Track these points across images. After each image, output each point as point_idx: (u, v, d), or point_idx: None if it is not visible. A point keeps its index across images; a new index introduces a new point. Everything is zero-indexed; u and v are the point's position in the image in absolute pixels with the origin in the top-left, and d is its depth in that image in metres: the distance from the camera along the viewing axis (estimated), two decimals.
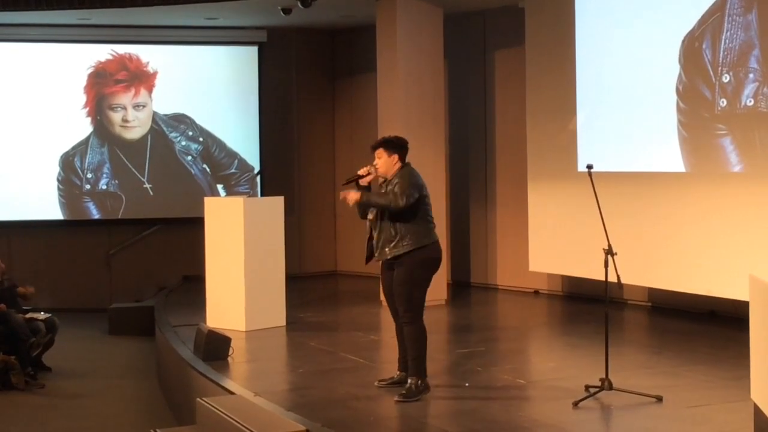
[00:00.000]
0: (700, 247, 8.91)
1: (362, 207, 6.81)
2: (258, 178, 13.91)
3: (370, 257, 6.90)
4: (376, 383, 7.01)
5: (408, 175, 6.70)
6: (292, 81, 14.20)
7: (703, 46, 8.81)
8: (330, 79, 14.42)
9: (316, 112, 14.33)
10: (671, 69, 9.18)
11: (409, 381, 6.64)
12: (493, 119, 12.23)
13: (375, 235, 6.76)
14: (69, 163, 13.43)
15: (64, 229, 13.54)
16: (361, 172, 6.86)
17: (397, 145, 6.82)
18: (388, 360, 7.66)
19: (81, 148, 13.47)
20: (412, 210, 6.62)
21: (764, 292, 5.33)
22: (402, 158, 6.79)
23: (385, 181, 6.82)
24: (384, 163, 6.77)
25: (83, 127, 13.46)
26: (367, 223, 6.87)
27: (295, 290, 10.83)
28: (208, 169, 13.79)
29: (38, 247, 13.41)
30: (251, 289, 9.30)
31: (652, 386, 6.67)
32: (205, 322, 9.22)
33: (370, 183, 6.86)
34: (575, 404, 6.34)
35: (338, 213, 14.28)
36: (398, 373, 6.95)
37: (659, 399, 6.41)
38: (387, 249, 6.67)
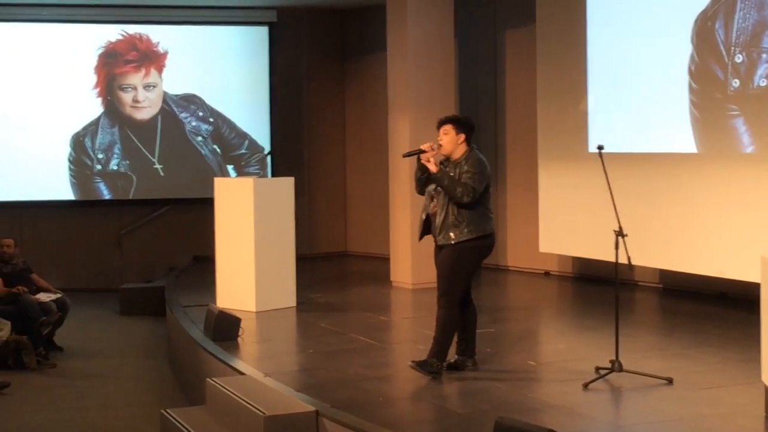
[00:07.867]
0: (712, 228, 8.87)
1: (428, 181, 6.55)
2: (268, 159, 13.90)
3: (424, 234, 6.75)
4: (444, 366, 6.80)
5: (482, 168, 6.52)
6: (302, 61, 14.16)
7: (716, 26, 8.75)
8: (340, 59, 14.38)
9: (327, 92, 14.30)
10: (683, 49, 9.11)
11: (428, 358, 6.59)
12: (503, 100, 12.18)
13: (437, 218, 6.55)
14: (80, 143, 13.44)
15: (76, 210, 13.57)
16: (424, 147, 6.58)
17: (466, 125, 6.62)
18: (398, 341, 7.67)
19: (92, 128, 13.49)
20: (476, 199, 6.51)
21: None
22: (468, 140, 6.60)
23: (447, 159, 6.63)
24: (450, 140, 6.57)
25: (94, 108, 13.47)
26: (426, 200, 6.71)
27: (305, 271, 10.83)
28: (218, 150, 13.79)
29: (50, 227, 13.46)
30: (261, 270, 9.30)
31: (663, 368, 6.66)
32: (215, 302, 9.24)
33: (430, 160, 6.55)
34: (585, 386, 6.33)
35: (349, 193, 14.28)
36: (456, 357, 6.83)
37: (670, 381, 6.40)
38: (452, 233, 6.49)
